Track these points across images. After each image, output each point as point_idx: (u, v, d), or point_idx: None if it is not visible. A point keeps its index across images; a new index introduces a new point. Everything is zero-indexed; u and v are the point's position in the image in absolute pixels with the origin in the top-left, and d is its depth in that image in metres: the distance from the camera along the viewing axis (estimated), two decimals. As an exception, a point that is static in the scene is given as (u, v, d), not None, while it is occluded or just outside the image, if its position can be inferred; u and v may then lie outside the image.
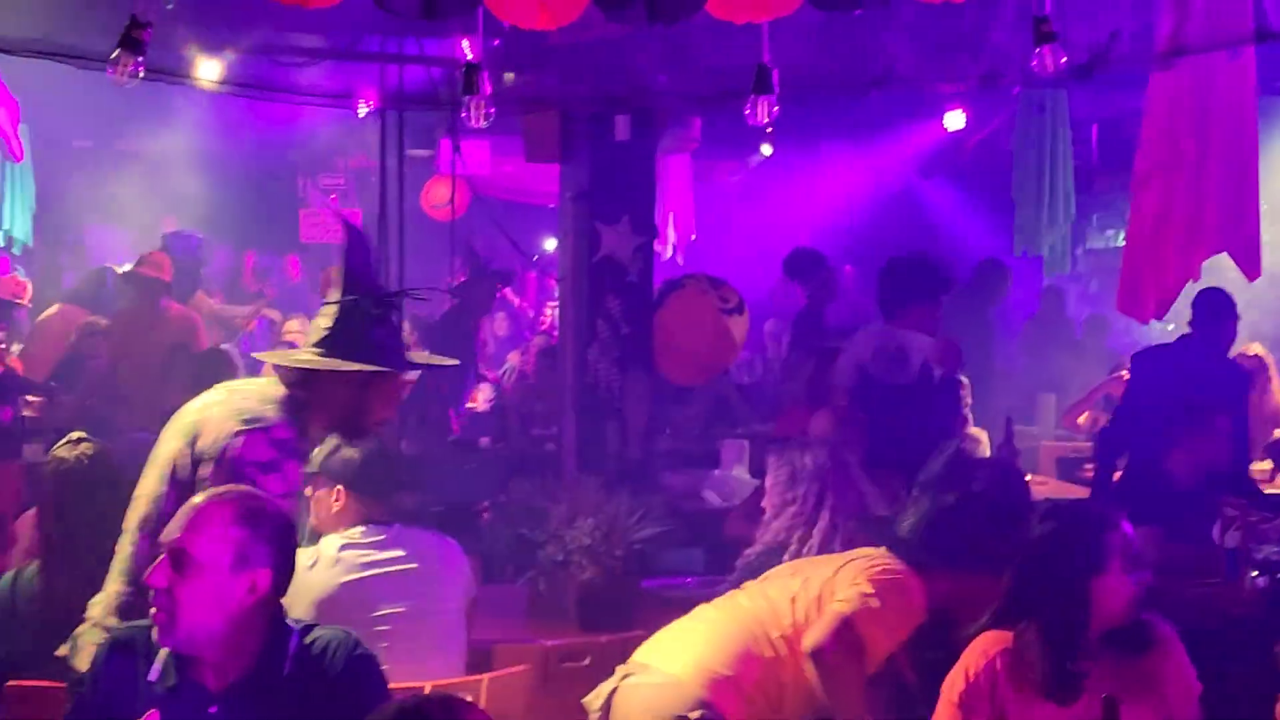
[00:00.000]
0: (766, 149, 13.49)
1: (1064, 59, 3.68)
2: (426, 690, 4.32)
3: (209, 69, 6.97)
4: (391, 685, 3.59)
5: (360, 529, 5.01)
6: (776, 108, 3.54)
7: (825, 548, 5.78)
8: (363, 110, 9.41)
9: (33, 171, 13.19)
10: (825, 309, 10.96)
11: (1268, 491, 8.11)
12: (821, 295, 10.95)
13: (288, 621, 3.46)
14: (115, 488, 4.95)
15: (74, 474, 5.05)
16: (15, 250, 13.68)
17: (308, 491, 5.12)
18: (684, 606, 6.07)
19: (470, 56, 7.83)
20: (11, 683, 4.48)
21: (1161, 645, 4.11)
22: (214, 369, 8.66)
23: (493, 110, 3.42)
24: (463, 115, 3.48)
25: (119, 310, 11.08)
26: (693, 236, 13.54)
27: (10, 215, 13.28)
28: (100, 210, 15.35)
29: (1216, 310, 8.06)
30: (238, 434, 4.20)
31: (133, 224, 15.47)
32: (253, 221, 15.47)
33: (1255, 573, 6.23)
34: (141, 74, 3.30)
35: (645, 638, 5.47)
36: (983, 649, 4.09)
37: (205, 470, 4.18)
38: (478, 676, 4.86)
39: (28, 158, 12.80)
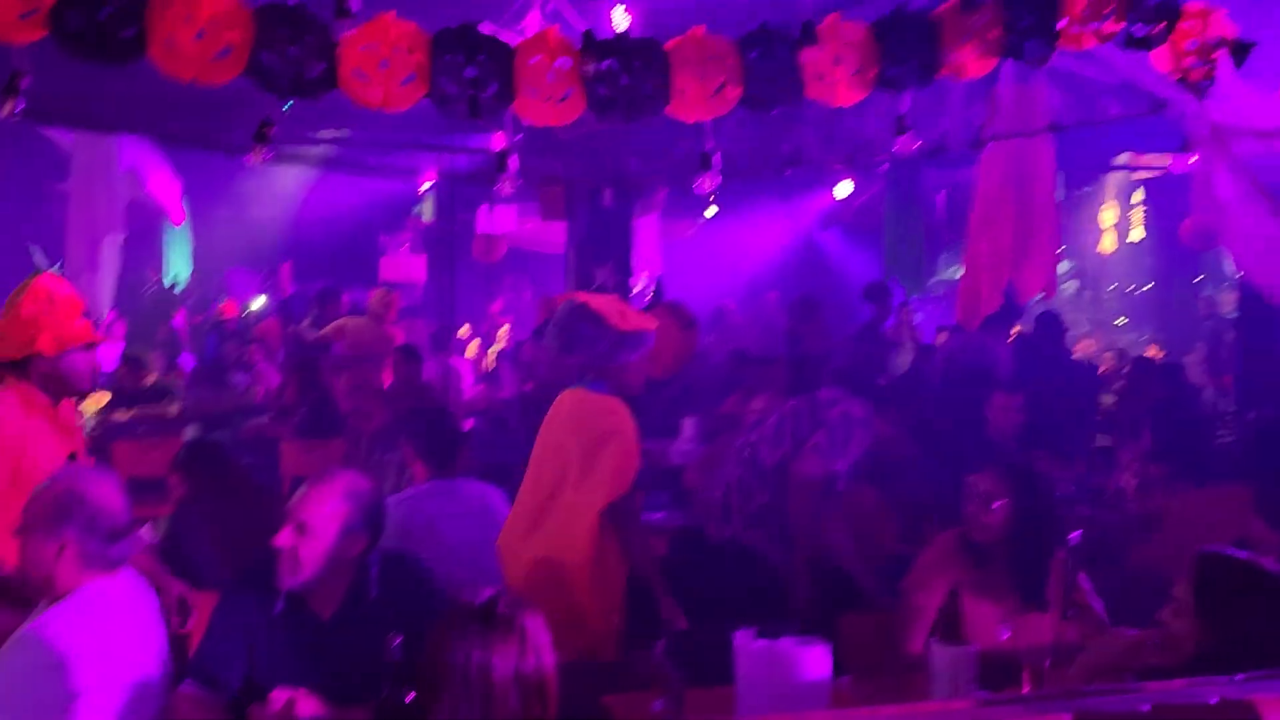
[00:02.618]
0: (712, 211, 13.51)
1: (918, 144, 3.70)
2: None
3: (315, 154, 7.00)
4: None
5: (433, 482, 5.01)
6: (718, 181, 3.56)
7: None
8: (424, 187, 9.45)
9: (190, 231, 13.21)
10: (884, 324, 11.10)
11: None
12: (883, 314, 11.03)
13: (368, 557, 3.45)
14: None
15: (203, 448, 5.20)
16: (178, 290, 13.70)
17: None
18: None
19: (499, 146, 7.88)
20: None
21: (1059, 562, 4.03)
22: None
23: (520, 182, 3.43)
24: (496, 188, 3.48)
25: (350, 327, 10.86)
26: (659, 274, 13.53)
27: (175, 263, 13.34)
28: (237, 258, 15.31)
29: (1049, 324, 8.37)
30: None
31: (260, 268, 15.43)
32: (344, 264, 15.43)
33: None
34: (269, 158, 3.30)
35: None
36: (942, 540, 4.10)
37: None
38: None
39: (186, 221, 12.81)
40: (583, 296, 4.54)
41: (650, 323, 4.60)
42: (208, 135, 5.19)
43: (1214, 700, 2.49)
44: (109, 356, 11.24)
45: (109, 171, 9.25)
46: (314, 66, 2.94)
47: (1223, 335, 10.93)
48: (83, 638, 3.01)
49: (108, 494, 3.18)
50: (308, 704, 3.03)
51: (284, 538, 3.28)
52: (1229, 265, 12.15)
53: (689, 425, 8.39)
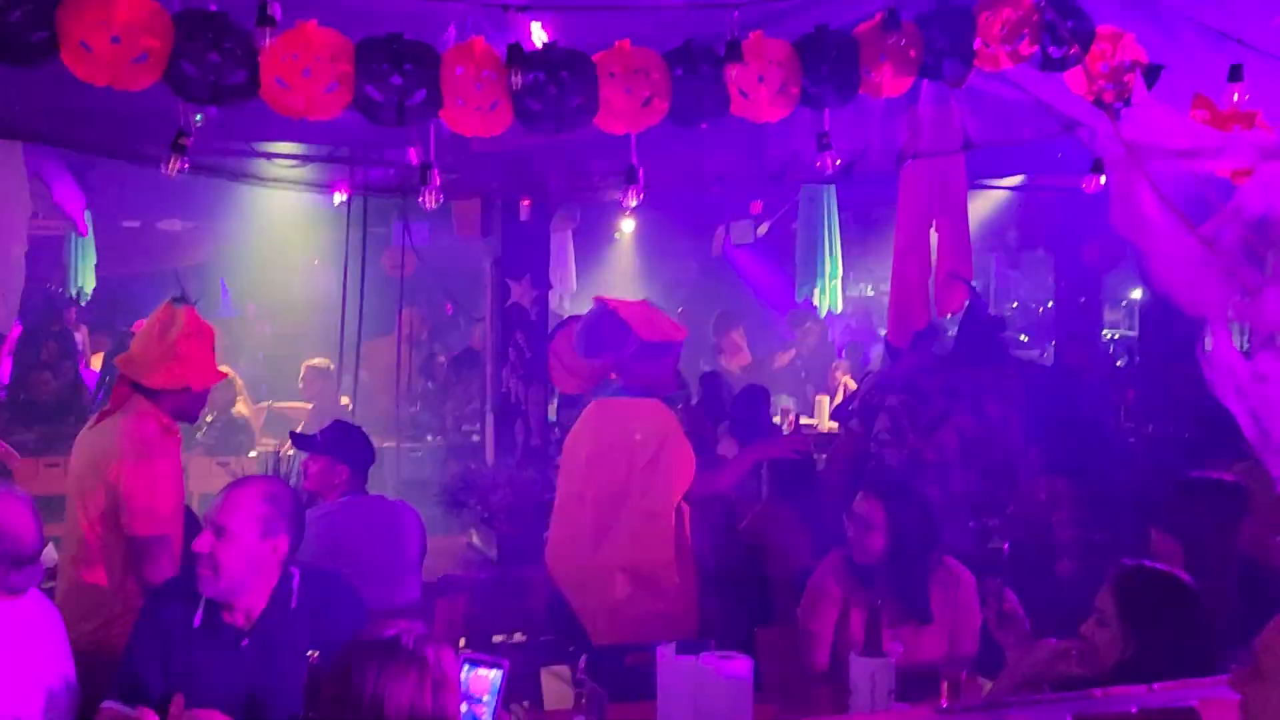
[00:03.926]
0: (628, 226, 13.50)
1: (839, 161, 3.72)
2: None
3: (229, 166, 6.86)
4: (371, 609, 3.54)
5: (348, 497, 4.93)
6: (642, 195, 3.55)
7: None
8: (338, 199, 9.29)
9: (94, 244, 12.87)
10: None
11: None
12: None
13: (290, 567, 3.40)
14: None
15: None
16: (83, 301, 13.34)
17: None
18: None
19: (416, 161, 7.78)
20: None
21: (959, 581, 4.07)
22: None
23: (441, 196, 3.39)
24: (419, 200, 3.43)
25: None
26: (573, 289, 13.51)
27: (81, 275, 12.99)
28: (143, 273, 14.94)
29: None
30: None
31: (169, 283, 15.08)
32: (257, 280, 15.15)
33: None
34: (185, 168, 3.22)
35: (550, 571, 5.44)
36: (828, 562, 4.11)
37: None
38: (431, 601, 4.83)
39: (90, 234, 12.48)
40: (612, 303, 4.60)
41: (680, 333, 4.65)
42: (119, 144, 5.04)
43: (1134, 709, 2.53)
44: (4, 371, 10.92)
45: (12, 181, 8.96)
46: (234, 74, 2.87)
47: (1124, 352, 11.19)
48: None
49: (16, 519, 3.09)
50: None
51: (202, 542, 3.23)
52: (1128, 285, 12.49)
53: (605, 441, 8.38)
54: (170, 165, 3.21)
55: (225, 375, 4.50)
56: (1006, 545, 3.85)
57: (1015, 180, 10.29)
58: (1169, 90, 3.51)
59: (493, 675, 2.52)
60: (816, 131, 3.68)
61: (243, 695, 3.15)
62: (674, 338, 4.64)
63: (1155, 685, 2.68)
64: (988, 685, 3.66)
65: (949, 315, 7.28)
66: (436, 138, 3.48)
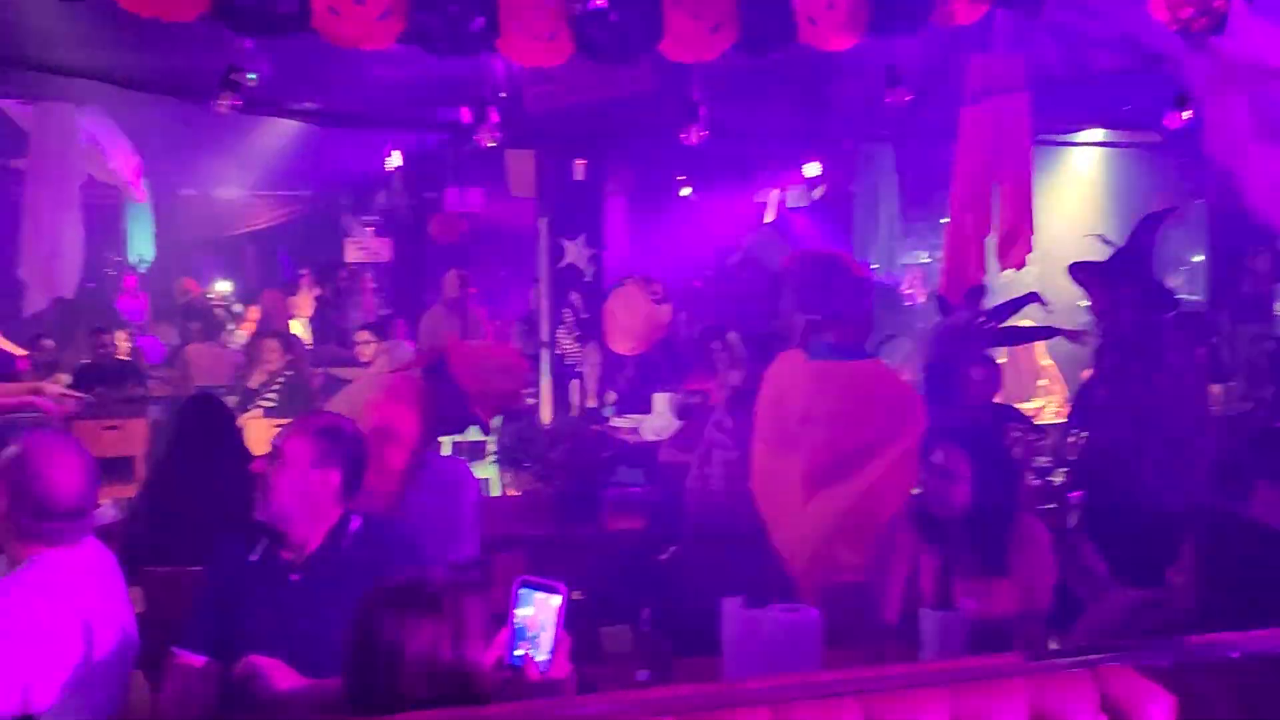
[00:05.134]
0: (685, 191, 13.35)
1: (909, 98, 3.56)
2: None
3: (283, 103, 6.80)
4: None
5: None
6: (705, 134, 3.40)
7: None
8: (391, 165, 9.25)
9: (152, 211, 12.91)
10: None
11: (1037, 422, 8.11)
12: None
13: (352, 512, 3.34)
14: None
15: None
16: (141, 269, 13.41)
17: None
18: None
19: (468, 120, 7.73)
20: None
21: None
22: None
23: (499, 135, 3.27)
24: (476, 138, 3.32)
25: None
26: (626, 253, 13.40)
27: (138, 242, 13.06)
28: (201, 239, 15.03)
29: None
30: None
31: (224, 249, 15.16)
32: (311, 247, 15.20)
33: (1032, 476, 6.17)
34: (238, 105, 3.12)
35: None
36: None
37: None
38: (488, 557, 4.78)
39: (148, 200, 12.51)
40: (825, 250, 4.44)
41: (868, 271, 4.49)
42: (172, 82, 4.97)
43: (1236, 654, 2.39)
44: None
45: (68, 146, 8.99)
46: (285, 2, 2.76)
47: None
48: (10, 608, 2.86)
49: (50, 471, 3.02)
50: (283, 675, 2.90)
51: (259, 463, 3.27)
52: (1190, 249, 12.16)
53: (660, 402, 8.29)
54: (222, 102, 3.11)
55: (486, 416, 4.58)
56: (1078, 495, 3.66)
57: (1084, 136, 10.02)
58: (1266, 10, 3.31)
59: (553, 600, 2.43)
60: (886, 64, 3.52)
61: (291, 633, 3.11)
62: (871, 277, 4.50)
63: (1253, 631, 2.53)
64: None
65: (1010, 271, 7.06)
66: (494, 91, 3.37)
